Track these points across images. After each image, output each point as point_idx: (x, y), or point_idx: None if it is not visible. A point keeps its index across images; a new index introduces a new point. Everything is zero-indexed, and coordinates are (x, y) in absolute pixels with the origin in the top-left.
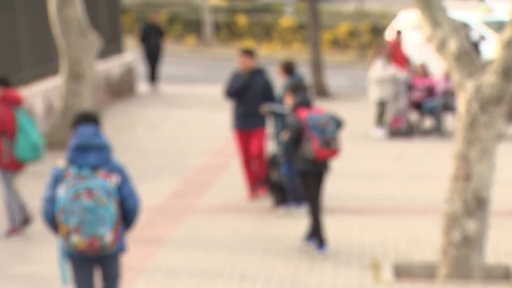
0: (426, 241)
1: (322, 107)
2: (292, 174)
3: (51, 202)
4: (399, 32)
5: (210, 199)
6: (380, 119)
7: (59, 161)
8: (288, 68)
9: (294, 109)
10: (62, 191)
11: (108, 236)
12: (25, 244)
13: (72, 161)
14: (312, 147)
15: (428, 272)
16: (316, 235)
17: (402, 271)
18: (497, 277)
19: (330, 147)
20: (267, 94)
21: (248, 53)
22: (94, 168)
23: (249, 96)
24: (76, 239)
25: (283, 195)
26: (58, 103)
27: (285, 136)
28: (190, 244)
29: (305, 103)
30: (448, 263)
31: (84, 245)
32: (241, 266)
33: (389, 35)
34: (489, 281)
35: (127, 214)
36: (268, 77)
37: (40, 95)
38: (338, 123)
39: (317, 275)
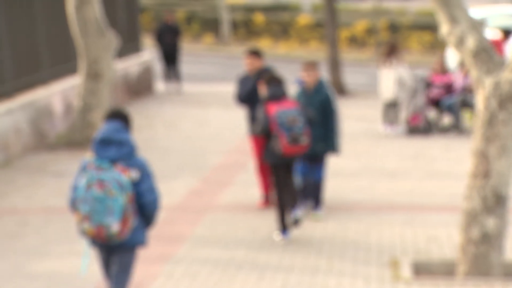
0: (445, 239)
1: (340, 104)
2: (306, 175)
3: (74, 190)
4: (506, 32)
5: (228, 197)
6: (390, 117)
7: (88, 153)
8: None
9: (265, 102)
10: (82, 181)
11: (115, 226)
12: (43, 241)
13: (95, 154)
14: (280, 144)
15: (447, 269)
16: (279, 220)
17: (421, 269)
18: None
19: (298, 143)
20: None
21: (255, 53)
22: (113, 161)
23: (260, 99)
24: (87, 226)
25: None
26: (76, 102)
27: (256, 128)
28: (209, 242)
29: (276, 97)
30: (467, 260)
31: (93, 233)
32: (260, 264)
33: (491, 34)
34: (509, 278)
35: (145, 209)
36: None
37: (58, 95)
38: (308, 119)
39: (336, 273)
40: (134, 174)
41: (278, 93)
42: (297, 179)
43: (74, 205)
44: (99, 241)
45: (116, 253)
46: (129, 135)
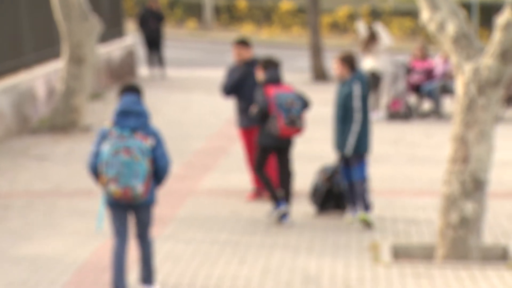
0: (424, 223)
1: (320, 90)
2: (348, 178)
3: (95, 156)
4: None
5: (211, 182)
6: (372, 103)
7: (106, 122)
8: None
9: (263, 85)
10: (105, 147)
11: (139, 187)
12: (26, 225)
13: (115, 123)
14: (277, 125)
15: (426, 253)
16: (273, 196)
17: (400, 252)
18: (495, 258)
19: (295, 125)
20: None
21: (244, 43)
22: (133, 130)
23: (248, 90)
24: (113, 188)
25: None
26: (59, 86)
27: (254, 110)
28: (192, 226)
29: (274, 80)
30: (446, 244)
31: (120, 193)
32: (241, 249)
33: None
34: (487, 262)
35: (158, 172)
36: None
37: (41, 79)
38: (304, 103)
39: (317, 256)
40: (150, 141)
41: (276, 76)
42: (343, 184)
43: (96, 169)
44: (124, 201)
45: (137, 212)
46: (144, 107)
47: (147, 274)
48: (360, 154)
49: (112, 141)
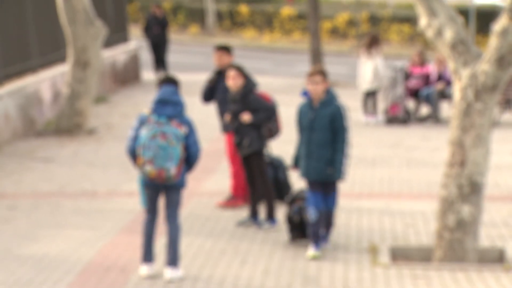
0: (422, 225)
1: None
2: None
3: (133, 140)
4: None
5: (212, 184)
6: (371, 107)
7: (144, 109)
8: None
9: (253, 91)
10: (143, 132)
11: (173, 169)
12: (31, 225)
13: (154, 111)
14: (278, 126)
15: (423, 255)
16: (270, 212)
17: (398, 254)
18: (491, 260)
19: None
20: None
21: (224, 49)
22: (170, 118)
23: (219, 95)
24: (149, 169)
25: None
26: (64, 90)
27: (258, 116)
28: (192, 228)
29: (256, 85)
30: (443, 246)
31: (155, 174)
32: (242, 251)
33: None
34: (483, 264)
35: (190, 158)
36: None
37: (47, 82)
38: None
39: (316, 259)
40: (184, 129)
41: (255, 81)
42: (311, 213)
43: (134, 151)
44: (158, 182)
45: (169, 192)
46: (181, 97)
47: (173, 257)
48: (341, 179)
49: (150, 127)
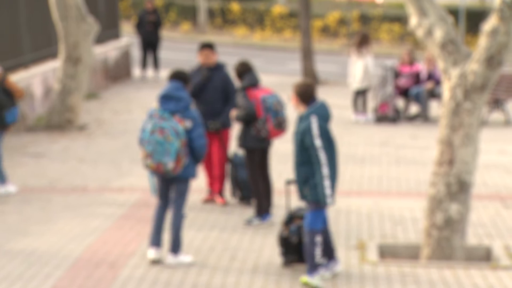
0: (410, 223)
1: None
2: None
3: (141, 132)
4: None
5: (203, 180)
6: (361, 106)
7: (153, 103)
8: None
9: (244, 89)
10: (147, 126)
11: (170, 164)
12: (22, 220)
13: (159, 106)
14: (267, 127)
15: (411, 252)
16: (258, 205)
17: (386, 252)
18: (478, 258)
19: (281, 128)
20: (227, 90)
21: (210, 47)
22: (172, 113)
23: (208, 94)
24: (149, 162)
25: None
26: (55, 86)
27: (238, 114)
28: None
29: (254, 83)
30: (431, 244)
31: (154, 167)
32: (232, 245)
33: None
34: (470, 262)
35: (195, 151)
36: (228, 73)
37: (39, 78)
38: (284, 104)
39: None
40: (188, 123)
41: (255, 79)
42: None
43: (140, 143)
44: (159, 174)
45: (174, 183)
46: (185, 93)
47: (174, 245)
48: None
49: (153, 121)
